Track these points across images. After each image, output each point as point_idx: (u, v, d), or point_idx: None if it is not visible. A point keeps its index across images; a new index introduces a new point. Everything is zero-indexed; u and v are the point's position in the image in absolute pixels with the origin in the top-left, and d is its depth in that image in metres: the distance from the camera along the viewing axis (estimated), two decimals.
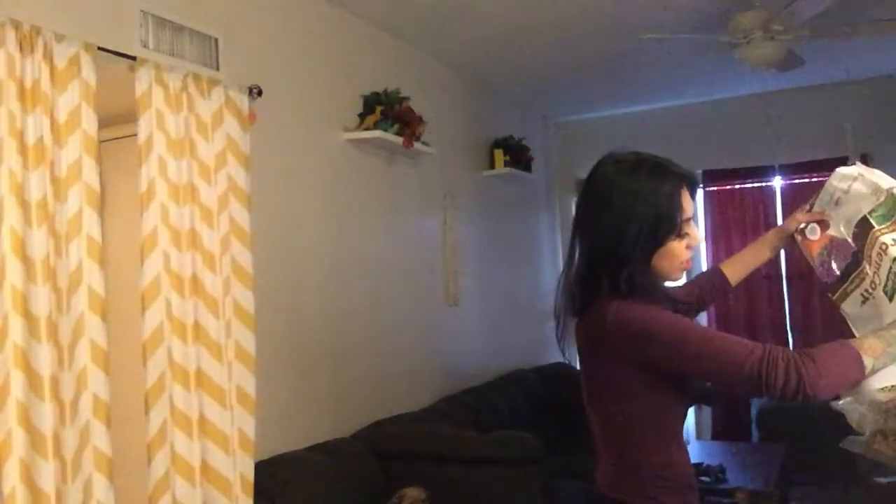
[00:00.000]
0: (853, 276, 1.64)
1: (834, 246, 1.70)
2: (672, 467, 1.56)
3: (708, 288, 1.95)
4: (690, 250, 1.57)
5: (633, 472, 1.57)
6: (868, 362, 1.36)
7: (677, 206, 1.51)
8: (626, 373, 1.50)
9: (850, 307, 1.66)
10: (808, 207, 1.77)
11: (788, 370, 1.31)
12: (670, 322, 1.46)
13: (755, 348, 1.35)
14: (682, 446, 1.61)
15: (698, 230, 1.61)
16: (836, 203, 1.70)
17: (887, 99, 5.34)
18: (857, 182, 1.65)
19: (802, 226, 1.77)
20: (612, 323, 1.47)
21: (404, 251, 4.17)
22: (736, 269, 1.95)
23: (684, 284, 1.99)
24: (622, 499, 1.57)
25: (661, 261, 1.53)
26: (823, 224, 1.72)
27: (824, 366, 1.33)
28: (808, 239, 1.76)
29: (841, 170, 1.70)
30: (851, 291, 1.65)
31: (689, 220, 1.54)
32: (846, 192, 1.67)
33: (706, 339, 1.43)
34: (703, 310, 2.00)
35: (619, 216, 1.49)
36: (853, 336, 1.55)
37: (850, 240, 1.65)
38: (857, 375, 1.37)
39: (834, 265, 1.69)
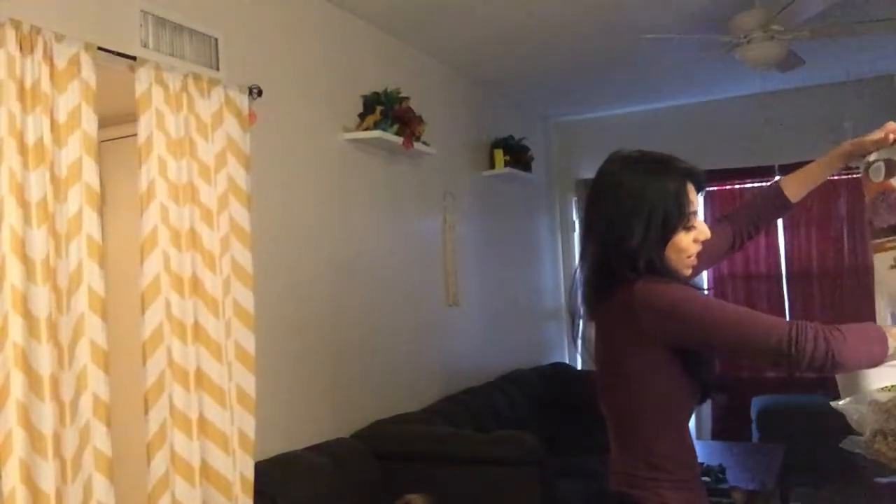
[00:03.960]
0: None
1: (892, 198, 1.60)
2: (675, 460, 1.56)
3: (767, 211, 1.90)
4: (698, 245, 1.57)
5: (637, 463, 1.57)
6: (892, 343, 1.38)
7: (683, 196, 1.53)
8: (645, 355, 1.51)
9: (880, 262, 1.61)
10: (890, 140, 1.61)
11: (818, 338, 1.34)
12: (696, 296, 1.49)
13: (781, 320, 1.39)
14: (687, 441, 1.61)
15: (705, 225, 1.61)
16: None
17: (887, 99, 5.34)
18: None
19: (872, 158, 1.66)
20: (640, 301, 1.49)
21: (404, 251, 4.17)
22: (799, 185, 1.88)
23: (716, 223, 1.93)
24: (625, 492, 1.58)
25: (670, 253, 1.54)
26: (890, 168, 1.61)
27: (851, 337, 1.36)
28: (869, 177, 1.65)
29: None
30: (889, 249, 1.59)
31: (695, 213, 1.56)
32: None
33: (733, 310, 1.45)
34: (752, 237, 1.92)
35: (628, 211, 1.52)
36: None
37: None
38: (881, 350, 1.39)
39: (885, 217, 1.60)
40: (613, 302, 1.54)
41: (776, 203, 1.89)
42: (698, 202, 1.58)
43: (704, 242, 1.80)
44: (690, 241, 1.55)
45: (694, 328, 1.46)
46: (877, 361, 1.41)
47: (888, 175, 1.61)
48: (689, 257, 1.57)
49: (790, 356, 1.35)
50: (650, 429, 1.56)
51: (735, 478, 3.73)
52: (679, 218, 1.52)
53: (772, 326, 1.38)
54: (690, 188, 1.56)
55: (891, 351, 1.38)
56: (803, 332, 1.34)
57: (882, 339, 1.38)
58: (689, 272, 1.60)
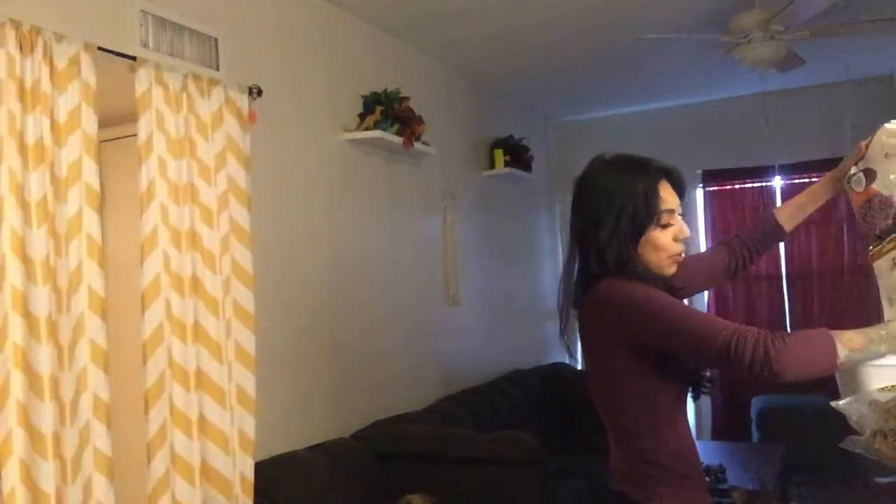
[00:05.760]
0: (893, 237, 1.58)
1: (878, 201, 1.62)
2: (671, 456, 1.58)
3: (760, 239, 1.92)
4: (679, 243, 1.60)
5: (633, 461, 1.60)
6: (842, 353, 1.36)
7: (654, 196, 1.57)
8: (617, 350, 1.55)
9: (881, 268, 1.60)
10: (862, 151, 1.66)
11: (756, 345, 1.34)
12: (651, 296, 1.51)
13: (729, 325, 1.40)
14: (682, 437, 1.62)
15: (685, 224, 1.64)
16: (886, 156, 1.61)
17: (887, 99, 5.34)
18: None
19: (851, 172, 1.69)
20: (603, 297, 1.55)
21: (404, 251, 4.17)
22: (791, 214, 1.91)
23: (712, 249, 1.99)
24: (619, 489, 1.60)
25: (647, 252, 1.58)
26: (870, 176, 1.63)
27: (793, 346, 1.35)
28: (853, 189, 1.68)
29: (890, 125, 1.61)
30: (887, 252, 1.60)
31: (671, 211, 1.59)
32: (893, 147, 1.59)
33: (684, 313, 1.47)
34: (748, 265, 1.94)
35: (599, 209, 1.58)
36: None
37: (894, 198, 1.58)
38: (826, 361, 1.37)
39: (876, 222, 1.61)
40: (586, 301, 1.60)
41: (771, 232, 1.92)
42: (676, 202, 1.61)
43: (700, 263, 1.90)
44: (669, 239, 1.59)
45: (646, 325, 1.49)
46: (824, 369, 1.39)
47: (868, 182, 1.64)
48: (669, 257, 1.60)
49: (730, 360, 1.36)
50: (641, 426, 1.58)
51: (735, 478, 3.73)
52: (648, 216, 1.56)
53: (719, 330, 1.39)
54: (665, 187, 1.59)
55: (842, 359, 1.36)
56: (743, 338, 1.35)
57: (828, 348, 1.36)
58: (672, 270, 1.62)
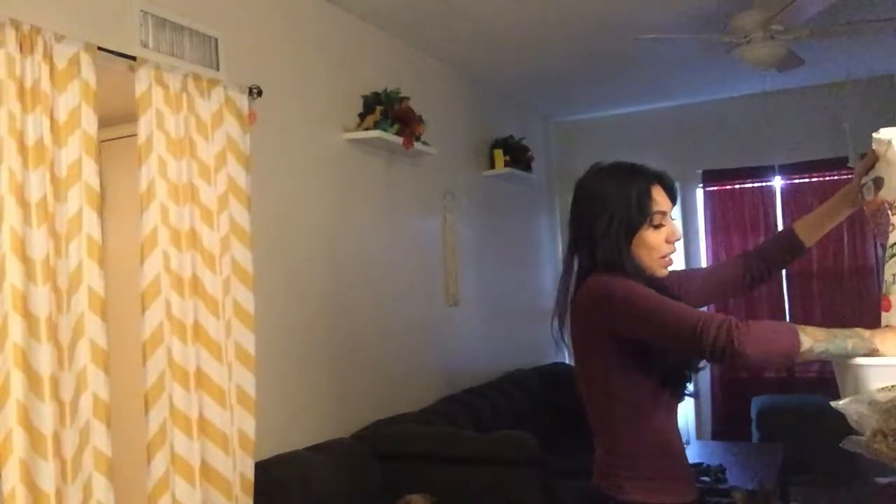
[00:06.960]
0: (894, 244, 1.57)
1: (887, 209, 1.60)
2: (644, 453, 1.62)
3: (777, 253, 1.92)
4: (671, 245, 1.67)
5: (606, 455, 1.67)
6: (805, 341, 1.41)
7: (646, 197, 1.64)
8: (598, 343, 1.62)
9: (888, 273, 1.60)
10: (872, 160, 1.65)
11: (720, 328, 1.41)
12: (630, 288, 1.57)
13: (699, 311, 1.49)
14: (660, 436, 1.65)
15: (677, 227, 1.71)
16: (889, 164, 1.60)
17: (887, 99, 5.34)
18: (891, 149, 1.58)
19: (863, 182, 1.69)
20: (587, 292, 1.63)
21: (404, 251, 4.17)
22: (810, 228, 1.90)
23: (729, 260, 2.03)
24: (595, 484, 1.67)
25: (640, 252, 1.65)
26: (878, 184, 1.63)
27: (756, 331, 1.41)
28: (864, 198, 1.69)
29: (878, 133, 1.62)
30: (890, 259, 1.59)
31: (663, 212, 1.65)
32: (884, 155, 1.60)
33: (659, 302, 1.53)
34: (764, 279, 1.93)
35: (594, 212, 1.65)
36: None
37: None
38: (787, 347, 1.42)
39: (888, 230, 1.59)
40: (575, 297, 1.67)
41: (789, 246, 1.91)
42: (669, 205, 1.68)
43: (714, 274, 1.96)
44: (661, 239, 1.65)
45: (623, 314, 1.55)
46: (786, 356, 1.44)
47: (877, 191, 1.64)
48: (662, 257, 1.66)
49: (694, 340, 1.43)
50: (616, 419, 1.64)
51: (735, 478, 3.73)
52: (641, 216, 1.63)
53: (688, 316, 1.47)
54: (657, 190, 1.66)
55: (805, 347, 1.41)
56: (709, 321, 1.43)
57: (791, 335, 1.41)
58: (663, 272, 1.68)
